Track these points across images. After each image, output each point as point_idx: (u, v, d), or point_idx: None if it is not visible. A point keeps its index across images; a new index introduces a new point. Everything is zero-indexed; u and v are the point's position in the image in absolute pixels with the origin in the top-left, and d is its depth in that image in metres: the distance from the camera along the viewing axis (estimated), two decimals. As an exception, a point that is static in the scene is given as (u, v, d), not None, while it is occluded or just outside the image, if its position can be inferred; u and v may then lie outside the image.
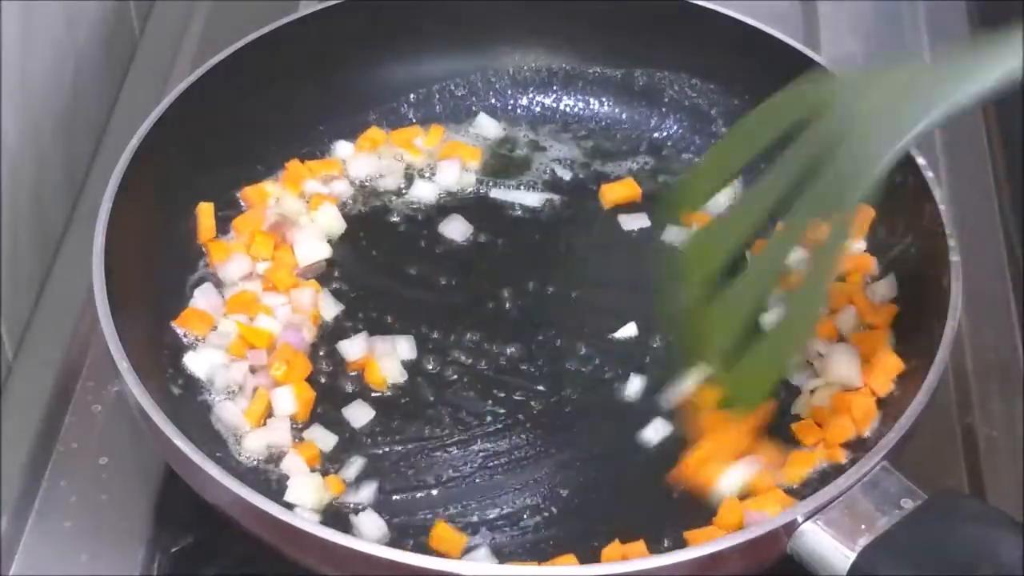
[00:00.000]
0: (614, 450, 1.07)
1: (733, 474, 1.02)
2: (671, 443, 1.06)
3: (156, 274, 1.12)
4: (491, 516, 1.03)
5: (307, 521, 0.92)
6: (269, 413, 1.07)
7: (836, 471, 1.00)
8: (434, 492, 1.04)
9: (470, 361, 1.12)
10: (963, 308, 1.03)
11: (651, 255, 1.20)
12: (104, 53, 1.38)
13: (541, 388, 1.11)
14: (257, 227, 1.18)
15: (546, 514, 1.03)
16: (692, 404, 1.06)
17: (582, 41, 1.30)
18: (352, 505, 1.02)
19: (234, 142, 1.21)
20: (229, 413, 1.07)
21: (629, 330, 1.14)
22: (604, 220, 1.23)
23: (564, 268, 1.20)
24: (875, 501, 0.91)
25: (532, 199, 1.24)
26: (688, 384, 1.07)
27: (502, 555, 1.00)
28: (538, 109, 1.31)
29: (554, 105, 1.31)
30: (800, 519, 0.91)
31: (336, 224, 1.20)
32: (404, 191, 1.24)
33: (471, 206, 1.24)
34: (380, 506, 1.02)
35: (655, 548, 0.99)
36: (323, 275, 1.17)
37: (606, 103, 1.31)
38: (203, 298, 1.13)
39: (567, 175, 1.26)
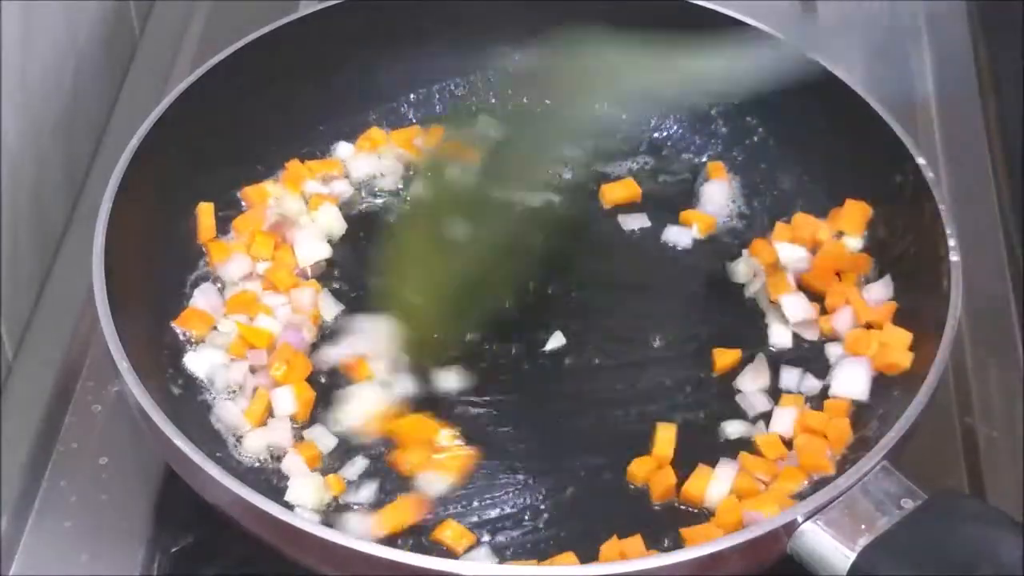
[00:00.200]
0: (615, 450, 1.07)
1: (717, 484, 1.02)
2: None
3: (156, 274, 1.12)
4: (491, 516, 1.03)
5: (307, 521, 0.92)
6: (269, 413, 1.07)
7: (827, 481, 1.00)
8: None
9: (470, 361, 1.12)
10: (963, 308, 1.03)
11: (651, 255, 1.20)
12: (104, 53, 1.38)
13: (541, 388, 1.10)
14: (257, 227, 1.18)
15: (546, 515, 1.03)
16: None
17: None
18: (353, 505, 1.03)
19: (234, 142, 1.21)
20: (229, 413, 1.07)
21: (629, 330, 1.14)
22: (604, 220, 1.23)
23: (564, 268, 1.20)
24: (875, 501, 0.91)
25: (532, 199, 1.24)
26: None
27: (502, 555, 1.00)
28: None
29: (554, 105, 1.31)
30: (800, 519, 0.91)
31: (336, 224, 1.20)
32: (404, 191, 1.24)
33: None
34: (381, 506, 1.02)
35: (654, 547, 0.99)
36: (323, 275, 1.17)
37: (606, 103, 1.31)
38: (203, 298, 1.13)
39: (567, 175, 1.26)
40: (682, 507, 1.03)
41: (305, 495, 1.02)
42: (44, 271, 1.23)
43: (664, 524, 1.01)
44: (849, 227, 1.17)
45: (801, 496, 1.00)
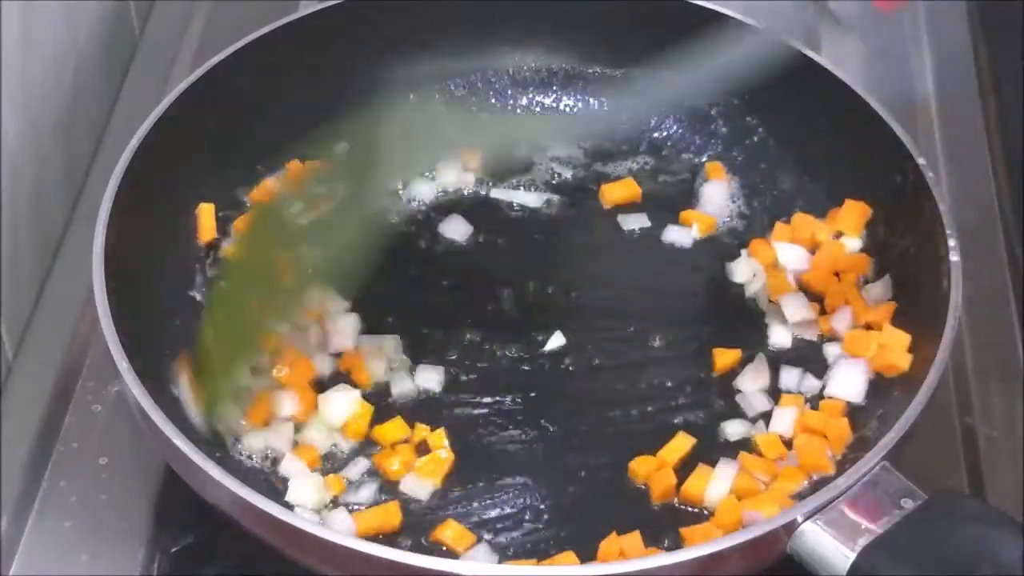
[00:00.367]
0: (614, 450, 1.07)
1: (717, 484, 1.02)
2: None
3: (156, 274, 1.12)
4: (492, 516, 1.03)
5: (307, 521, 0.92)
6: (271, 415, 1.07)
7: (827, 481, 1.00)
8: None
9: (470, 361, 1.12)
10: (963, 308, 1.03)
11: (651, 255, 1.20)
12: (104, 53, 1.38)
13: (541, 388, 1.11)
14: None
15: (546, 515, 1.03)
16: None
17: (582, 41, 1.30)
18: (352, 505, 1.03)
19: (234, 142, 1.20)
20: (230, 413, 1.06)
21: (629, 330, 1.14)
22: (604, 220, 1.23)
23: (564, 268, 1.20)
24: (875, 501, 0.91)
25: (532, 199, 1.24)
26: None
27: (503, 555, 1.00)
28: (538, 109, 1.31)
29: (554, 105, 1.31)
30: (800, 519, 0.91)
31: (336, 224, 1.20)
32: (404, 191, 1.24)
33: (471, 206, 1.24)
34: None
35: (654, 547, 0.99)
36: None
37: (606, 103, 1.31)
38: None
39: (567, 175, 1.26)
40: (682, 507, 1.03)
41: (305, 495, 1.02)
42: (44, 271, 1.23)
43: (664, 524, 1.01)
44: (848, 227, 1.17)
45: (801, 496, 1.00)
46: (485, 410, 1.09)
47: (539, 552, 1.00)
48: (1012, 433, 1.13)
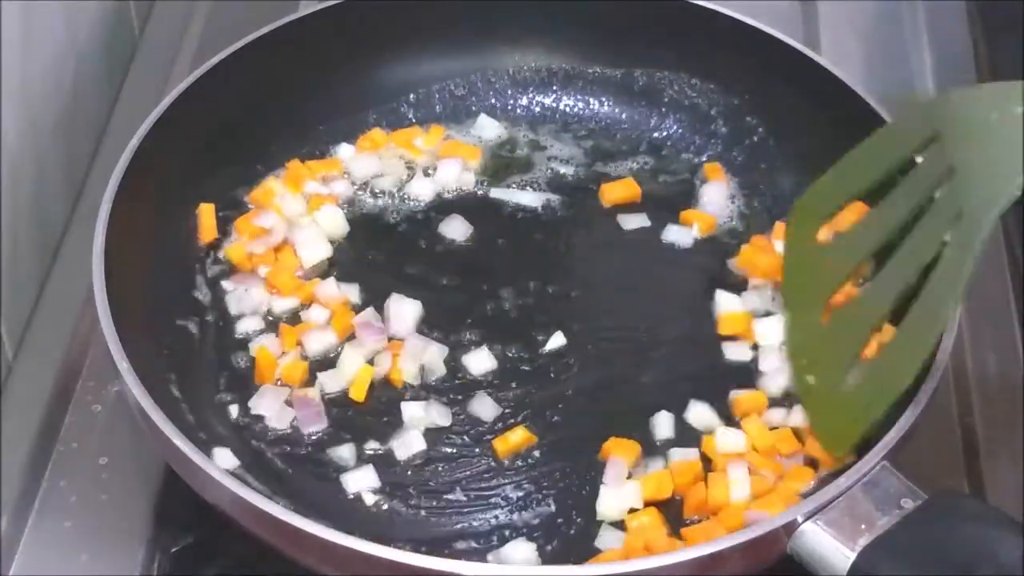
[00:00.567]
0: (614, 450, 1.07)
1: (737, 488, 1.02)
2: (673, 442, 1.06)
3: (156, 274, 1.12)
4: (491, 516, 1.03)
5: (307, 521, 0.92)
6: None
7: (827, 481, 1.00)
8: (431, 488, 1.04)
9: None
10: (963, 308, 1.03)
11: (651, 255, 1.20)
12: (104, 53, 1.38)
13: (541, 388, 1.11)
14: (258, 228, 1.18)
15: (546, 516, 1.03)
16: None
17: (582, 41, 1.30)
18: (352, 495, 1.03)
19: (234, 142, 1.21)
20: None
21: (629, 330, 1.14)
22: (604, 220, 1.23)
23: (564, 268, 1.20)
24: (875, 501, 0.91)
25: (532, 199, 1.24)
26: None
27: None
28: (538, 109, 1.31)
29: (554, 105, 1.31)
30: (800, 519, 0.91)
31: (338, 224, 1.20)
32: (404, 191, 1.24)
33: (471, 206, 1.24)
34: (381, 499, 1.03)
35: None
36: (323, 275, 1.17)
37: (606, 103, 1.31)
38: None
39: (567, 175, 1.26)
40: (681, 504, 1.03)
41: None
42: (44, 271, 1.23)
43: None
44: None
45: (802, 496, 1.00)
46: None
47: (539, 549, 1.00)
48: (1012, 433, 1.13)
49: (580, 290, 1.18)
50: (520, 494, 1.04)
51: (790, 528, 0.91)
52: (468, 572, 0.90)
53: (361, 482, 1.04)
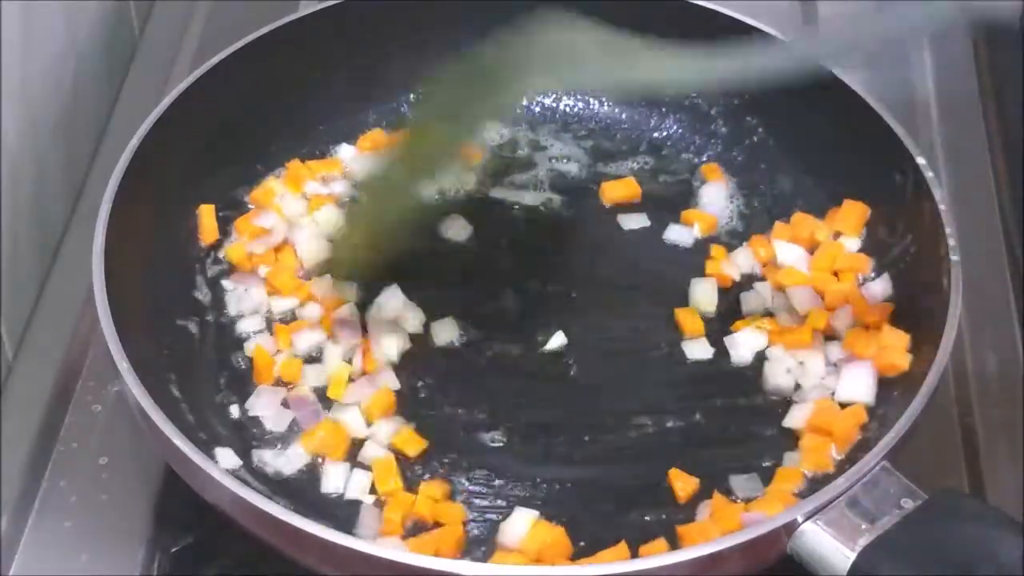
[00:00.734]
0: (615, 451, 1.07)
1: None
2: (673, 442, 1.07)
3: (156, 274, 1.12)
4: (492, 517, 1.03)
5: (307, 521, 0.92)
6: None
7: (827, 479, 1.00)
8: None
9: (469, 360, 1.12)
10: (963, 308, 1.03)
11: (651, 255, 1.20)
12: (104, 53, 1.38)
13: (541, 388, 1.10)
14: (259, 228, 1.18)
15: (547, 515, 1.03)
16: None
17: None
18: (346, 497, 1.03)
19: (234, 142, 1.21)
20: None
21: (629, 330, 1.14)
22: (604, 220, 1.23)
23: (564, 268, 1.20)
24: (875, 501, 0.91)
25: (532, 199, 1.25)
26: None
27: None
28: (538, 109, 1.31)
29: (554, 105, 1.31)
30: (800, 519, 0.91)
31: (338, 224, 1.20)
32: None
33: (471, 206, 1.24)
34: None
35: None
36: (323, 275, 1.17)
37: (606, 103, 1.31)
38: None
39: (567, 175, 1.27)
40: (681, 506, 1.03)
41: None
42: (44, 271, 1.23)
43: (664, 524, 1.01)
44: (848, 227, 1.17)
45: (801, 496, 1.00)
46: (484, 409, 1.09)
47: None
48: (1012, 433, 1.13)
49: (580, 290, 1.18)
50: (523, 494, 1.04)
51: (790, 528, 0.91)
52: (468, 572, 0.90)
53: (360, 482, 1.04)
